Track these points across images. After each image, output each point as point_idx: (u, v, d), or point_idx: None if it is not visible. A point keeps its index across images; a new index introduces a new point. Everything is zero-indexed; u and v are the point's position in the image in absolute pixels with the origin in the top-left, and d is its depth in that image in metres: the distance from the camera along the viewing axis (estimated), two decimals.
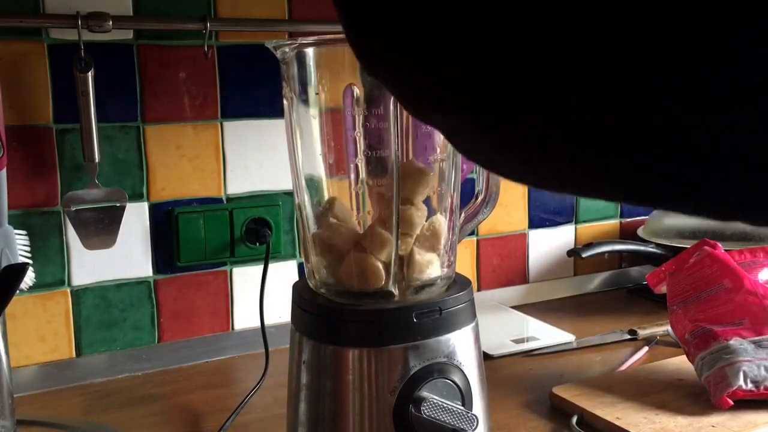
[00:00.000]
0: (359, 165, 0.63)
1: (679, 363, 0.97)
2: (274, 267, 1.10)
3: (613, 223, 1.41)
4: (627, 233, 1.41)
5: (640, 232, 1.36)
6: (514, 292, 1.27)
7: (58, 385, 0.97)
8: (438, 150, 0.65)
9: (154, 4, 1.00)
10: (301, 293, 0.66)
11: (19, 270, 0.70)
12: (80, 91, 0.94)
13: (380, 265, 0.63)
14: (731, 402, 0.80)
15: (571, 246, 1.34)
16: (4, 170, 0.80)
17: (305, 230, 0.68)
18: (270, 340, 1.01)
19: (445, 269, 0.66)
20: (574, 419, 0.83)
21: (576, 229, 1.37)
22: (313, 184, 0.67)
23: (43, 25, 0.94)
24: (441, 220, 0.66)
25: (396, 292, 0.63)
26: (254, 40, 1.06)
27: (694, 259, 0.92)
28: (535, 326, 1.15)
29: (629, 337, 1.10)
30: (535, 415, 0.86)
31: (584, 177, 0.28)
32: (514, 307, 1.25)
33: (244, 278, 1.10)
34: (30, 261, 0.94)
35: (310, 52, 0.63)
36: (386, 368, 0.60)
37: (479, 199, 0.73)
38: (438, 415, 0.59)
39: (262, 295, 1.03)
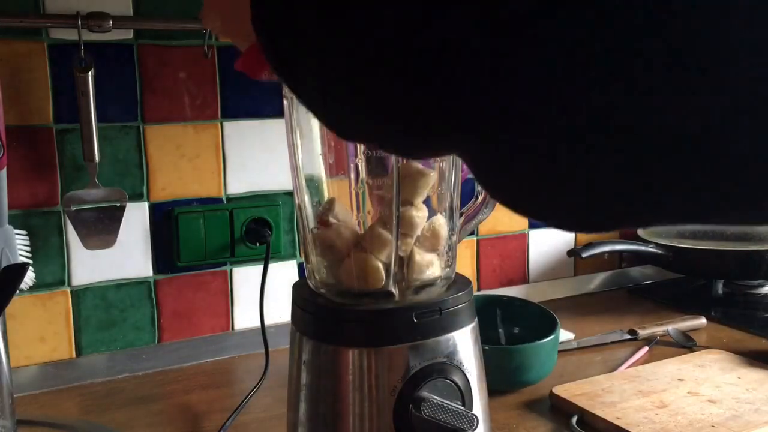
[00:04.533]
0: (359, 165, 0.63)
1: (679, 363, 0.97)
2: (274, 267, 1.10)
3: None
4: (627, 233, 1.41)
5: (640, 232, 1.36)
6: (514, 292, 1.27)
7: (58, 385, 0.97)
8: None
9: (154, 4, 1.00)
10: (301, 293, 0.66)
11: (19, 270, 0.70)
12: (80, 91, 0.94)
13: (380, 266, 0.63)
14: None
15: (571, 246, 1.34)
16: (4, 170, 0.80)
17: (305, 230, 0.68)
18: (270, 340, 1.01)
19: (445, 269, 0.66)
20: (574, 419, 0.83)
21: None
22: (313, 184, 0.67)
23: (43, 25, 0.94)
24: (441, 221, 0.66)
25: (396, 292, 0.63)
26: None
27: None
28: None
29: (629, 337, 1.10)
30: (535, 415, 0.86)
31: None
32: None
33: (244, 278, 1.10)
34: (30, 261, 0.94)
35: None
36: (386, 368, 0.60)
37: (479, 199, 0.73)
38: (438, 415, 0.59)
39: (262, 295, 1.03)
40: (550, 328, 0.94)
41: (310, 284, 0.67)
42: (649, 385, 0.90)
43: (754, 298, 1.28)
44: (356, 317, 0.62)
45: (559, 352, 1.03)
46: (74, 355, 1.00)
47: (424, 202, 0.64)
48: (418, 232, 0.64)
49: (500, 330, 1.03)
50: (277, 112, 1.09)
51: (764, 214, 0.26)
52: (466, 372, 0.63)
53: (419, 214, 0.64)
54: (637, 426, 0.79)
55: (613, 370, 0.98)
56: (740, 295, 1.29)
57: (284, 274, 1.12)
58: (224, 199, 1.07)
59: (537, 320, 0.99)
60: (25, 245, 0.93)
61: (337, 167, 0.65)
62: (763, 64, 0.22)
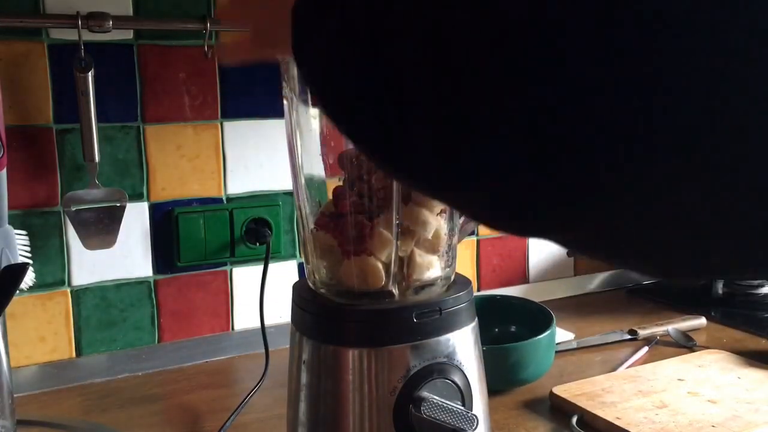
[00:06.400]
0: None
1: (679, 363, 0.97)
2: (274, 267, 1.10)
3: None
4: None
5: None
6: (514, 292, 1.27)
7: (58, 385, 0.97)
8: None
9: (154, 4, 1.00)
10: (301, 293, 0.66)
11: (19, 270, 0.70)
12: (80, 91, 0.94)
13: (380, 266, 0.63)
14: None
15: None
16: (4, 170, 0.80)
17: (305, 230, 0.68)
18: (270, 340, 1.01)
19: (445, 270, 0.66)
20: (574, 419, 0.83)
21: None
22: (313, 184, 0.67)
23: (43, 25, 0.94)
24: (441, 222, 0.66)
25: (396, 292, 0.63)
26: None
27: None
28: None
29: (629, 337, 1.10)
30: (535, 415, 0.86)
31: None
32: None
33: (244, 278, 1.10)
34: (30, 261, 0.94)
35: None
36: (386, 368, 0.60)
37: None
38: (438, 415, 0.59)
39: (262, 295, 1.03)
40: (547, 325, 0.94)
41: (310, 284, 0.67)
42: (649, 385, 0.90)
43: (754, 298, 1.28)
44: (356, 317, 0.62)
45: (559, 352, 1.03)
46: (74, 355, 1.00)
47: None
48: (428, 235, 0.64)
49: (496, 329, 1.03)
50: (277, 112, 1.08)
51: None
52: (465, 372, 0.63)
53: (431, 214, 0.63)
54: (637, 426, 0.79)
55: (613, 370, 0.98)
56: (740, 295, 1.29)
57: (284, 274, 1.12)
58: (224, 199, 1.07)
59: (534, 318, 0.99)
60: (25, 245, 0.93)
61: (337, 167, 0.65)
62: None
